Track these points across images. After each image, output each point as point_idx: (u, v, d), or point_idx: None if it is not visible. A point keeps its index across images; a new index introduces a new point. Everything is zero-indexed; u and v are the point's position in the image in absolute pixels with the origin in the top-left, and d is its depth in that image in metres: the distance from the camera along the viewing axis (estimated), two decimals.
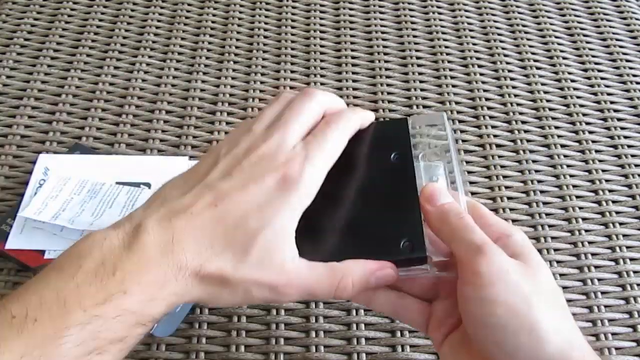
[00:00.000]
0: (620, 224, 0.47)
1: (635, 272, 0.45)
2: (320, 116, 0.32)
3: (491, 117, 0.53)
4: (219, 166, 0.30)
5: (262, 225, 0.28)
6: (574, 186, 0.49)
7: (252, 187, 0.28)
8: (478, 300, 0.28)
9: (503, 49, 0.58)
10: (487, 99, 0.54)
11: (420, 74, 0.55)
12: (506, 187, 0.49)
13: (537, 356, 0.27)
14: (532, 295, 0.28)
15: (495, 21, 0.60)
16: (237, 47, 0.56)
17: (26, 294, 0.25)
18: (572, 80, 0.56)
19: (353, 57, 0.56)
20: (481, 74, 0.56)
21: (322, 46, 0.57)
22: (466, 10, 0.61)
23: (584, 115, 0.53)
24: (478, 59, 0.57)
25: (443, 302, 0.33)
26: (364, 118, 0.34)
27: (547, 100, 0.54)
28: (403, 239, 0.31)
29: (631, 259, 0.46)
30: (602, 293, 0.44)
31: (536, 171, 0.50)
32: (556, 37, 0.59)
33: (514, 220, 0.47)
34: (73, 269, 0.26)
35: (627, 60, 0.57)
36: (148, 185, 0.45)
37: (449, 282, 0.32)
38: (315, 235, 0.31)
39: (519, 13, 0.61)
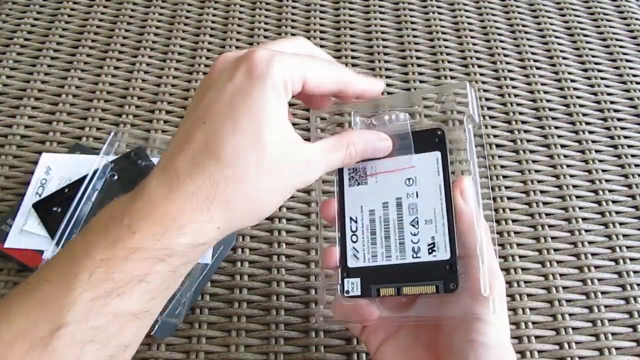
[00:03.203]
0: (620, 224, 0.47)
1: (635, 272, 0.45)
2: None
3: (491, 117, 0.53)
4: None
5: (254, 125, 0.27)
6: (574, 186, 0.49)
7: (229, 88, 0.28)
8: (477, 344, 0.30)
9: (503, 49, 0.58)
10: (487, 99, 0.54)
11: (420, 74, 0.55)
12: (506, 187, 0.49)
13: None
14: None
15: (495, 21, 0.60)
16: (237, 47, 0.56)
17: (44, 266, 0.26)
18: (572, 80, 0.56)
19: (353, 57, 0.56)
20: (481, 74, 0.56)
21: (322, 46, 0.57)
22: (466, 10, 0.61)
23: (584, 115, 0.53)
24: (478, 59, 0.57)
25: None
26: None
27: (547, 100, 0.54)
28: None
29: (631, 259, 0.46)
30: (602, 293, 0.44)
31: (536, 171, 0.50)
32: (556, 37, 0.59)
33: (513, 220, 0.47)
34: (84, 230, 0.26)
35: (627, 60, 0.57)
36: None
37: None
38: None
39: (519, 13, 0.61)
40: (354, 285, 0.32)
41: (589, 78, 0.56)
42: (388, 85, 0.54)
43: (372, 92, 0.33)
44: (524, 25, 0.60)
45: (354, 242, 0.33)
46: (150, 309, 0.26)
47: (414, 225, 0.32)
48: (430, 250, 0.31)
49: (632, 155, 0.51)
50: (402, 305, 0.33)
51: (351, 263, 0.33)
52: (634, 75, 0.56)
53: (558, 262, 0.45)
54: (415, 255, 0.31)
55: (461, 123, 0.33)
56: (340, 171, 0.35)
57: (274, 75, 0.27)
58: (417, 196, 0.33)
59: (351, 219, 0.34)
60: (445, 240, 0.31)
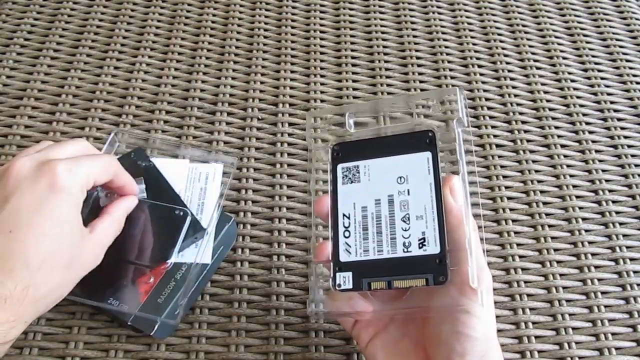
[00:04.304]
0: (620, 224, 0.47)
1: (635, 272, 0.45)
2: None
3: (491, 117, 0.53)
4: None
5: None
6: (574, 186, 0.49)
7: (32, 199, 0.32)
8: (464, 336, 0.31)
9: (503, 49, 0.58)
10: (487, 99, 0.54)
11: (420, 74, 0.55)
12: (506, 187, 0.49)
13: None
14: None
15: (495, 21, 0.60)
16: (237, 47, 0.56)
17: None
18: (572, 80, 0.56)
19: (353, 57, 0.56)
20: (481, 74, 0.56)
21: (322, 46, 0.57)
22: (466, 10, 0.61)
23: (584, 115, 0.53)
24: (478, 59, 0.57)
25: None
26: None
27: (547, 100, 0.54)
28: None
29: (631, 259, 0.46)
30: (602, 293, 0.44)
31: (536, 171, 0.50)
32: (556, 37, 0.59)
33: (513, 220, 0.47)
34: None
35: (627, 60, 0.57)
36: None
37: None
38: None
39: (519, 13, 0.61)
40: (345, 279, 0.33)
41: (589, 78, 0.56)
42: (388, 85, 0.54)
43: (132, 188, 0.39)
44: (524, 25, 0.60)
45: (347, 237, 0.34)
46: None
47: (405, 221, 0.33)
48: (420, 245, 0.32)
49: (632, 155, 0.51)
50: (393, 298, 0.34)
51: (343, 257, 0.34)
52: (634, 75, 0.56)
53: (558, 262, 0.45)
54: (406, 250, 0.32)
55: (451, 120, 0.34)
56: (334, 170, 0.36)
57: (72, 189, 0.33)
58: (408, 193, 0.34)
59: (344, 215, 0.35)
60: (435, 235, 0.32)
